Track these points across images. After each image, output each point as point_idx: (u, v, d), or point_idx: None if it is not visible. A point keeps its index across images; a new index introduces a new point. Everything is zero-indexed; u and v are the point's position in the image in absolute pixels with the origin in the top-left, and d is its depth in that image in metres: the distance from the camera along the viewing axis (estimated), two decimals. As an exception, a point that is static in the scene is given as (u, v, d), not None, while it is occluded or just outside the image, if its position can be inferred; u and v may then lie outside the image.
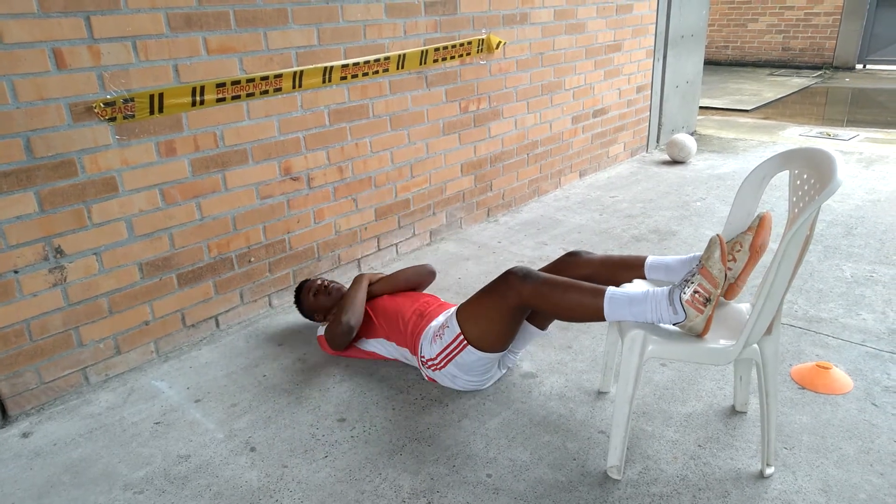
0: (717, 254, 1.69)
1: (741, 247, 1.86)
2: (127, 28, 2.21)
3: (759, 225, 1.85)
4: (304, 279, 2.82)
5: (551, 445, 1.99)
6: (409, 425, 2.11)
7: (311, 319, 2.71)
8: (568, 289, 1.89)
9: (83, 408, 2.28)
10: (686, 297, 1.69)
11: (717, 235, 1.72)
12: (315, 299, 2.62)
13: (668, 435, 2.02)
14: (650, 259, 2.09)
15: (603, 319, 1.84)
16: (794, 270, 1.62)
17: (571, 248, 3.46)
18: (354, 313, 2.38)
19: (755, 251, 1.85)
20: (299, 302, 2.69)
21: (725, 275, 1.69)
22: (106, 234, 2.32)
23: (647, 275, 2.08)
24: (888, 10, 9.12)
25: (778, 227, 3.44)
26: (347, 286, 2.66)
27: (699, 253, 2.03)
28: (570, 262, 2.19)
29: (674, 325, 1.74)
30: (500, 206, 4.07)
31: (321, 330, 2.53)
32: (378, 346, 2.45)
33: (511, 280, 1.97)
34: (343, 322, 2.35)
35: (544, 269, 2.24)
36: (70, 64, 2.11)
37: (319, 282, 2.67)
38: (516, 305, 1.99)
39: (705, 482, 1.82)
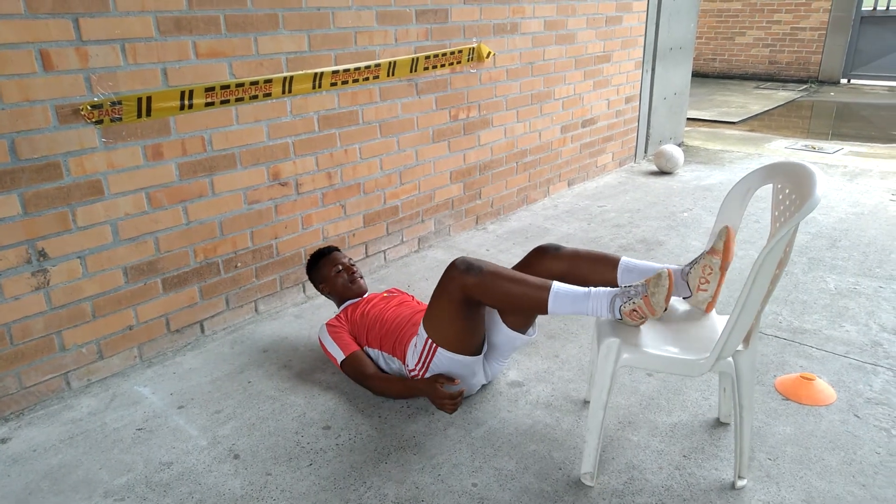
0: (664, 295, 1.71)
1: (711, 270, 1.89)
2: (115, 30, 2.19)
3: (725, 247, 1.89)
4: (333, 246, 2.67)
5: (537, 455, 1.99)
6: (394, 433, 2.10)
7: (313, 284, 2.63)
8: (513, 280, 1.91)
9: (64, 413, 2.24)
10: (626, 309, 1.77)
11: (668, 274, 1.72)
12: (335, 276, 2.53)
13: (654, 445, 2.02)
14: (624, 260, 2.05)
15: (545, 313, 1.88)
16: (772, 286, 1.64)
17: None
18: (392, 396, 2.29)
19: (724, 271, 1.91)
20: (315, 264, 2.59)
21: (665, 309, 1.73)
22: (91, 238, 2.29)
23: (619, 279, 2.03)
24: (872, 27, 9.27)
25: (761, 240, 3.48)
26: (366, 282, 2.62)
27: (682, 266, 2.03)
28: (539, 258, 2.15)
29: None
30: (488, 213, 4.08)
31: (322, 332, 2.42)
32: (378, 359, 2.38)
33: (453, 273, 1.97)
34: (386, 395, 2.27)
35: (516, 266, 2.20)
36: (57, 65, 2.09)
37: (349, 262, 2.58)
38: (462, 299, 1.98)
39: (690, 493, 1.83)
